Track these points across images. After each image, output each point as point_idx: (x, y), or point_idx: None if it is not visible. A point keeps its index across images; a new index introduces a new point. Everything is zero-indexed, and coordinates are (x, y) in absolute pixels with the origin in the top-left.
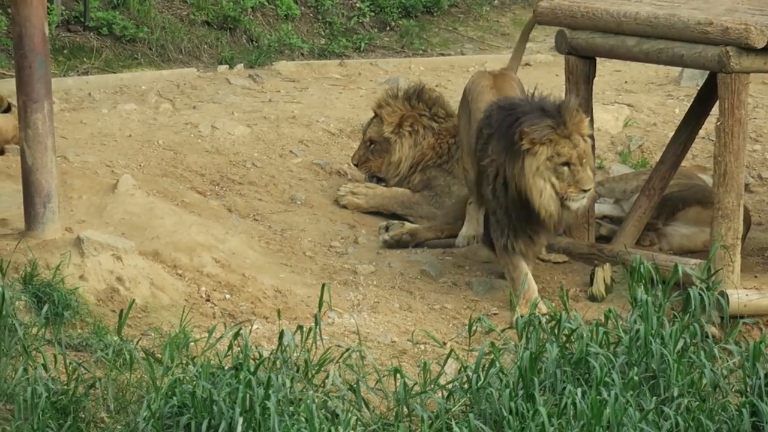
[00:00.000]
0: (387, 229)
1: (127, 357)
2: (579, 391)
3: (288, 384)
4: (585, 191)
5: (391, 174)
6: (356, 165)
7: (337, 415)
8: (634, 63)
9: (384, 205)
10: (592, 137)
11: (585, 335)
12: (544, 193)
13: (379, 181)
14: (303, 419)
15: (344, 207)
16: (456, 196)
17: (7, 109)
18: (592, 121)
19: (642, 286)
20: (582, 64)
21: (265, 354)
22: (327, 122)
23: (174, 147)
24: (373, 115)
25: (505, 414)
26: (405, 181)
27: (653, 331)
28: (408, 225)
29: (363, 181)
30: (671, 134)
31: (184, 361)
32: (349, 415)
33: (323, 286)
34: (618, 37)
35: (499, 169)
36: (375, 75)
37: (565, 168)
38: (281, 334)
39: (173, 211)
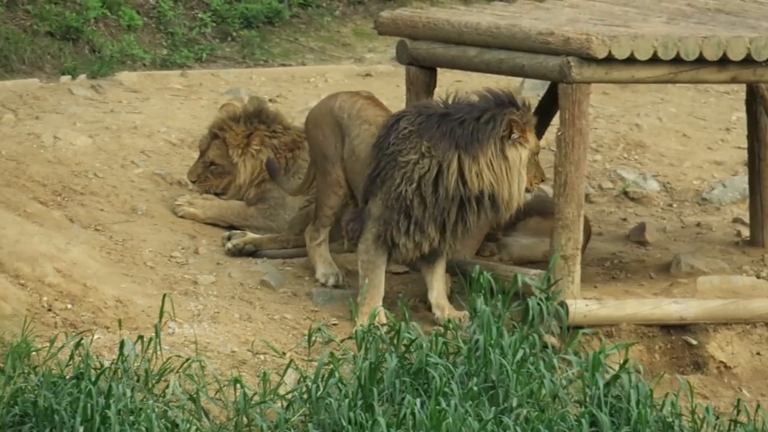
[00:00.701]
0: (230, 238)
1: None
2: (418, 401)
3: (129, 394)
4: (543, 181)
5: (232, 193)
6: (193, 182)
7: (177, 425)
8: (476, 73)
9: (221, 217)
10: None
11: (424, 345)
12: (521, 185)
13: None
14: (143, 429)
15: (182, 217)
16: (291, 208)
17: None
18: None
19: (481, 297)
20: (423, 75)
21: (106, 364)
22: (168, 132)
23: (16, 157)
24: (210, 134)
25: (344, 424)
26: (242, 195)
27: (492, 342)
28: (250, 234)
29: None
30: None
31: (26, 371)
32: (189, 424)
33: (164, 296)
34: (459, 47)
35: (443, 167)
36: (216, 85)
37: (534, 157)
38: (122, 344)
39: (15, 221)
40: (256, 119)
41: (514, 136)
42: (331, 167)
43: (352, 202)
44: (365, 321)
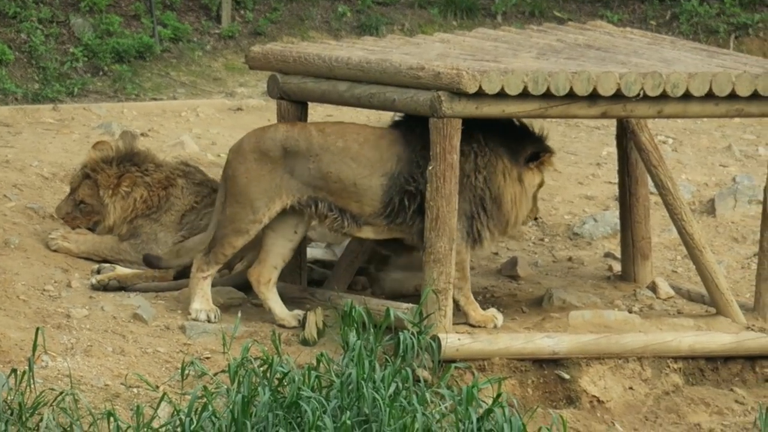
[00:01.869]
0: (98, 272)
1: None
2: None
3: (2, 427)
4: (536, 218)
5: (102, 230)
6: (61, 218)
7: None
8: (347, 108)
9: (95, 251)
10: None
11: (297, 379)
12: (526, 210)
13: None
14: None
15: (55, 251)
16: (163, 243)
17: None
18: None
19: (354, 330)
20: (294, 109)
21: None
22: (40, 166)
23: None
24: (81, 173)
25: None
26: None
27: (365, 375)
28: (118, 270)
29: None
30: None
31: None
32: None
33: (37, 329)
34: (330, 82)
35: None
36: (88, 120)
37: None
38: None
39: None
40: (129, 161)
41: (542, 164)
42: (256, 206)
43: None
44: (485, 319)
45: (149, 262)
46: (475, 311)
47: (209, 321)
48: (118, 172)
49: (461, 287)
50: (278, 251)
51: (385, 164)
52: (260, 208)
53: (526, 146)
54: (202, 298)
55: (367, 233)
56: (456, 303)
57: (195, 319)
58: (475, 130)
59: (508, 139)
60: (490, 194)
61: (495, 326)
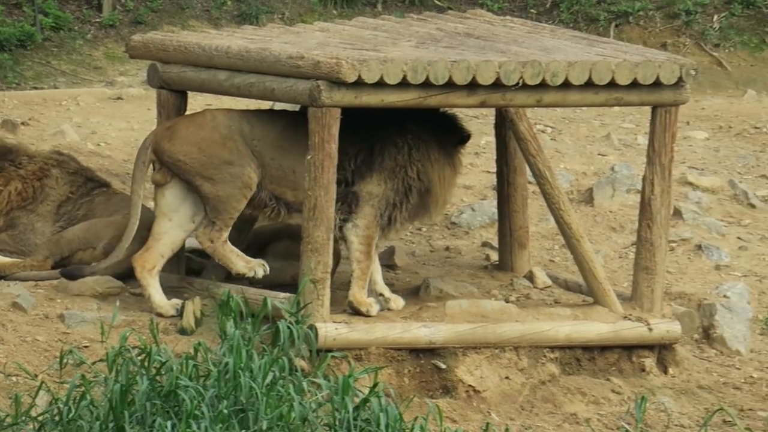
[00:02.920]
0: None
1: None
2: (169, 423)
3: None
4: None
5: None
6: None
7: None
8: (226, 97)
9: None
10: None
11: (175, 368)
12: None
13: None
14: None
15: None
16: (41, 233)
17: None
18: None
19: (231, 320)
20: (174, 98)
21: None
22: None
23: None
24: None
25: None
26: None
27: (242, 365)
28: None
29: None
30: None
31: None
32: None
33: None
34: (210, 71)
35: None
36: None
37: None
38: None
39: None
40: (1, 158)
41: (462, 152)
42: (239, 171)
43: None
44: (361, 302)
45: (71, 275)
46: (359, 291)
47: (266, 273)
48: None
49: (360, 261)
50: (169, 240)
51: None
52: (239, 175)
53: (453, 131)
54: (241, 258)
55: (297, 220)
56: (351, 274)
57: (254, 277)
58: (408, 123)
59: (437, 127)
60: (421, 184)
61: (368, 313)
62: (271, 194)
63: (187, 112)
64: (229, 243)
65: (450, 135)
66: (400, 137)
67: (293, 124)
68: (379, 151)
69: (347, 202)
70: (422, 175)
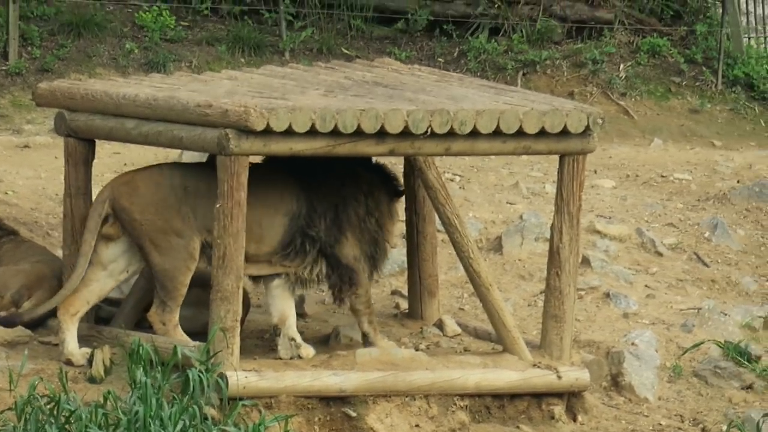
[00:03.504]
0: None
1: None
2: None
3: None
4: None
5: None
6: None
7: None
8: (134, 145)
9: None
10: None
11: (84, 417)
12: None
13: None
14: None
15: None
16: None
17: None
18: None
19: (141, 368)
20: (81, 147)
21: None
22: None
23: None
24: None
25: None
26: None
27: (152, 413)
28: None
29: None
30: None
31: None
32: None
33: None
34: (118, 119)
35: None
36: None
37: None
38: None
39: None
40: None
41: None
42: (186, 242)
43: None
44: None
45: (7, 322)
46: (381, 338)
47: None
48: None
49: (371, 322)
50: (98, 288)
51: (286, 205)
52: (184, 245)
53: (391, 182)
54: (184, 338)
55: (253, 271)
56: (365, 336)
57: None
58: (362, 172)
59: (382, 177)
60: (381, 233)
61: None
62: None
63: (95, 161)
64: (179, 328)
65: (389, 184)
66: (357, 188)
67: (256, 178)
68: (343, 208)
69: (341, 279)
70: (380, 222)
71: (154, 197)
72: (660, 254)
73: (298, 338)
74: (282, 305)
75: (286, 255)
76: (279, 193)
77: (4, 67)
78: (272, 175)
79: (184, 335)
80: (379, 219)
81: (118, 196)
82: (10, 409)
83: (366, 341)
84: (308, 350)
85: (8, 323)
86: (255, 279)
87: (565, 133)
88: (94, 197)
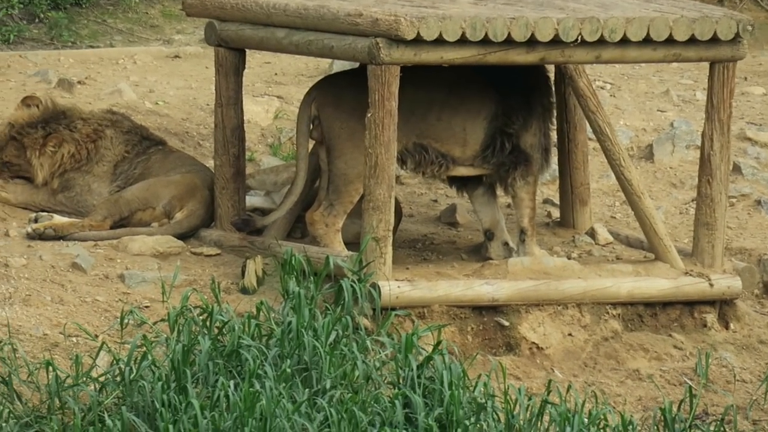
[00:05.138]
0: (36, 220)
1: None
2: (232, 383)
3: None
4: None
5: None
6: None
7: None
8: (284, 54)
9: (32, 202)
10: None
11: (237, 328)
12: None
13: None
14: None
15: None
16: (98, 194)
17: None
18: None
19: (294, 279)
20: (232, 56)
21: None
22: None
23: None
24: (7, 134)
25: (158, 406)
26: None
27: (305, 324)
28: (55, 219)
29: None
30: None
31: None
32: (2, 407)
33: None
34: (268, 28)
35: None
36: (24, 67)
37: None
38: None
39: None
40: (54, 121)
41: None
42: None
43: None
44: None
45: (240, 226)
46: (536, 246)
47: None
48: (44, 133)
49: (531, 217)
50: None
51: (487, 108)
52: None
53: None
54: (341, 249)
55: (463, 171)
56: (523, 232)
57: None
58: (542, 69)
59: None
60: (552, 128)
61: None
62: (437, 152)
63: (246, 71)
64: (340, 234)
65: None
66: (542, 84)
67: (461, 83)
68: (532, 100)
69: (516, 160)
70: (552, 121)
71: (358, 104)
72: None
73: (511, 242)
74: (491, 210)
75: (485, 156)
76: (479, 97)
77: None
78: (469, 80)
79: (342, 243)
80: (552, 114)
81: (324, 101)
82: (162, 320)
83: (522, 238)
84: (536, 249)
85: (242, 226)
86: (458, 188)
87: (714, 40)
88: (245, 107)
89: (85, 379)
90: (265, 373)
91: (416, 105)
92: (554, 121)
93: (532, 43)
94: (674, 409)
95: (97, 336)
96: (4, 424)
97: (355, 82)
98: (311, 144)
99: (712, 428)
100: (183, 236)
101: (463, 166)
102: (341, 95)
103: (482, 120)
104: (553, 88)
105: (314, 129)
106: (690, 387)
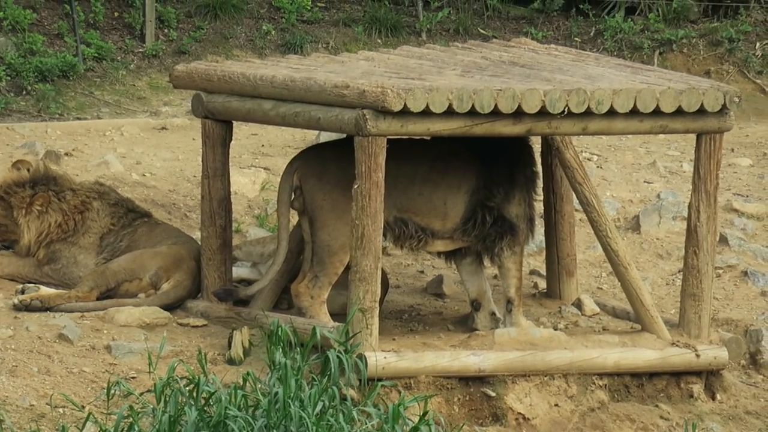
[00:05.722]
0: (23, 292)
1: None
2: None
3: None
4: None
5: (20, 250)
6: None
7: None
8: (271, 126)
9: (18, 274)
10: None
11: (224, 398)
12: None
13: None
14: None
15: None
16: (83, 265)
17: None
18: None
19: (280, 349)
20: (218, 128)
21: None
22: None
23: None
24: None
25: None
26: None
27: (292, 394)
28: (42, 290)
29: None
30: None
31: None
32: None
33: None
34: (255, 100)
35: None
36: (11, 139)
37: None
38: None
39: None
40: (43, 184)
41: None
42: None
43: None
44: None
45: (222, 296)
46: (523, 318)
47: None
48: (32, 192)
49: (518, 287)
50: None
51: (468, 182)
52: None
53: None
54: (327, 317)
55: (440, 247)
56: (509, 302)
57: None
58: (525, 141)
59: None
60: (535, 199)
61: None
62: (417, 225)
63: (232, 143)
64: (325, 306)
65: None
66: (524, 155)
67: (443, 156)
68: (515, 172)
69: (502, 230)
70: (536, 191)
71: (342, 175)
72: None
73: (498, 312)
74: (477, 280)
75: (466, 229)
76: (461, 171)
77: (141, 50)
78: (451, 153)
79: (328, 314)
80: (536, 185)
81: (306, 172)
82: (149, 391)
83: (509, 308)
84: (522, 319)
85: (224, 296)
86: (446, 257)
87: (701, 111)
88: (231, 178)
89: None
90: None
91: (398, 179)
92: (538, 191)
93: (518, 114)
94: None
95: (83, 407)
96: None
97: (338, 153)
98: (293, 214)
99: None
100: (169, 307)
101: (442, 239)
102: (324, 166)
103: (463, 194)
104: (536, 158)
105: (295, 199)
106: None
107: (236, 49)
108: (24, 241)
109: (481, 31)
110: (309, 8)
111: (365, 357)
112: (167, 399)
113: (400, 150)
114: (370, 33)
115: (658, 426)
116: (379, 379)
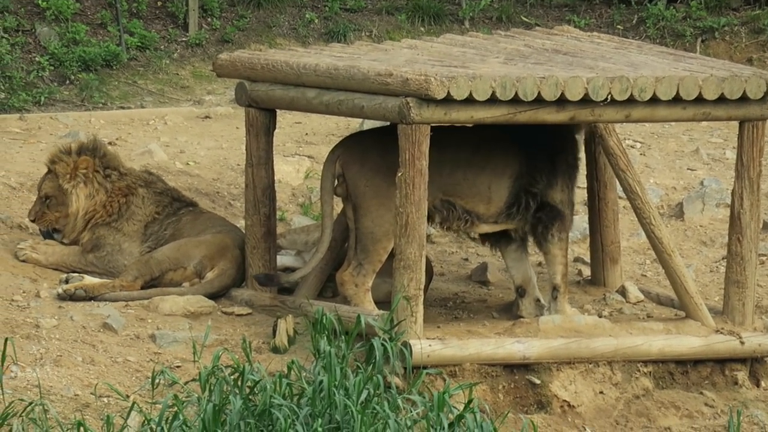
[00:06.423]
0: (67, 281)
1: None
2: None
3: None
4: None
5: (69, 228)
6: (33, 221)
7: None
8: (315, 114)
9: (63, 262)
10: None
11: (268, 387)
12: None
13: (57, 232)
14: None
15: (24, 261)
16: (128, 254)
17: None
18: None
19: (325, 338)
20: (262, 116)
21: None
22: (7, 176)
23: None
24: (47, 171)
25: None
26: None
27: (337, 382)
28: (86, 279)
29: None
30: None
31: None
32: None
33: (6, 340)
34: (298, 89)
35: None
36: (55, 129)
37: None
38: None
39: None
40: (90, 154)
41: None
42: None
43: None
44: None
45: (263, 281)
46: (568, 305)
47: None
48: (77, 158)
49: (564, 274)
50: None
51: (511, 167)
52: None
53: None
54: (372, 305)
55: (486, 228)
56: (555, 290)
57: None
58: (568, 127)
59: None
60: (576, 184)
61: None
62: (463, 209)
63: (276, 131)
64: (370, 294)
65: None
66: (566, 143)
67: (482, 143)
68: (557, 158)
69: (551, 216)
70: (576, 177)
71: (383, 161)
72: None
73: (543, 299)
74: (523, 267)
75: (510, 214)
76: (504, 157)
77: (184, 39)
78: (496, 139)
79: (372, 302)
80: (577, 172)
81: (349, 159)
82: (194, 380)
83: (554, 295)
84: (567, 307)
85: (265, 281)
86: (491, 244)
87: (744, 99)
88: (276, 167)
89: None
90: None
91: (443, 164)
92: (578, 178)
93: (561, 102)
94: None
95: (128, 396)
96: None
97: (380, 140)
98: (337, 202)
99: None
100: (214, 296)
101: (487, 223)
102: (366, 153)
103: (507, 179)
104: (580, 145)
105: (339, 186)
106: None
107: (279, 37)
108: (72, 209)
109: (524, 18)
110: None
111: (410, 345)
112: (212, 388)
113: (444, 135)
114: (413, 21)
115: (702, 413)
116: (424, 367)
